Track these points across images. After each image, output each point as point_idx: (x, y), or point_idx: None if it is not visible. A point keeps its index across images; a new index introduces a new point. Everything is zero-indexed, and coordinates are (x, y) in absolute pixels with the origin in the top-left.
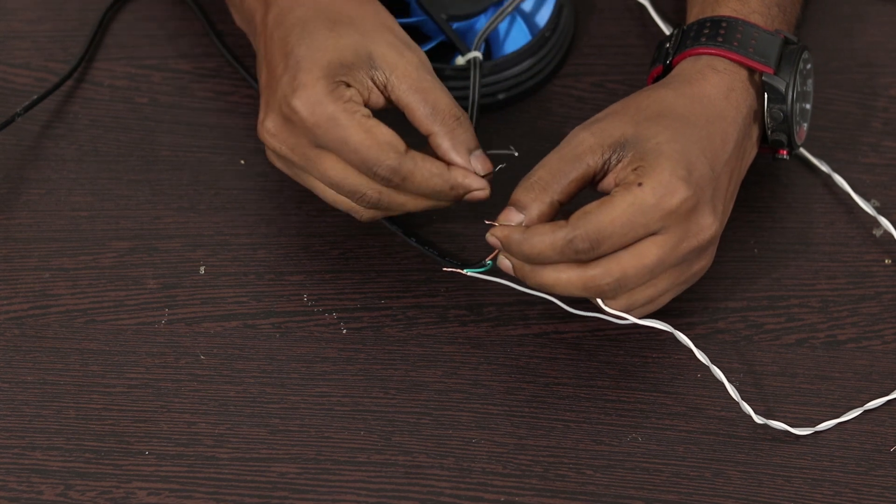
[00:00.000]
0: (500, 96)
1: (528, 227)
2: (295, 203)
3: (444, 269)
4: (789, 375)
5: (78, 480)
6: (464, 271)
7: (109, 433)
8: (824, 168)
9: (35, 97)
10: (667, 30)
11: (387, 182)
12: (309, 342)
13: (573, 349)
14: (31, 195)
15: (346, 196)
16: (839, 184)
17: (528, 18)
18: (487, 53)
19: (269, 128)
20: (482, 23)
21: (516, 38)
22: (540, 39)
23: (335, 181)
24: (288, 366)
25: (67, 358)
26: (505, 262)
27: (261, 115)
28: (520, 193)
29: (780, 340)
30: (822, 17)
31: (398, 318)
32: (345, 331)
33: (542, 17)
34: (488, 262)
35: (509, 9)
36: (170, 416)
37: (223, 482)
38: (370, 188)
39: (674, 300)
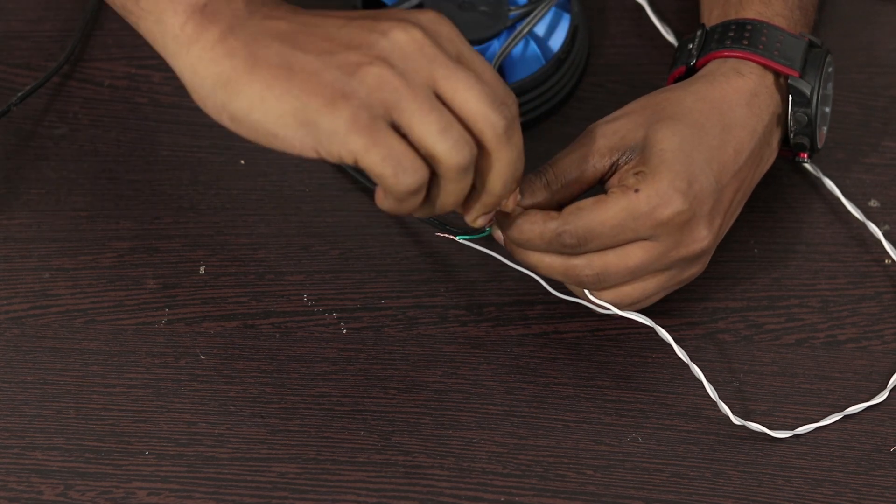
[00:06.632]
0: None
1: (522, 210)
2: (295, 203)
3: (437, 233)
4: (789, 375)
5: (78, 480)
6: (456, 238)
7: (109, 433)
8: (816, 173)
9: (29, 87)
10: (664, 30)
11: (510, 123)
12: (309, 342)
13: (573, 349)
14: (31, 195)
15: (478, 117)
16: (829, 187)
17: (542, 42)
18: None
19: (400, 38)
20: (496, 47)
21: (530, 62)
22: (555, 63)
23: (467, 96)
24: (288, 366)
25: (67, 358)
26: (498, 233)
27: (371, 37)
28: (525, 187)
29: (780, 340)
30: (822, 17)
31: (398, 318)
32: (345, 331)
33: (557, 41)
34: (487, 227)
35: (523, 32)
36: (170, 416)
37: (223, 482)
38: (498, 116)
39: (674, 300)
